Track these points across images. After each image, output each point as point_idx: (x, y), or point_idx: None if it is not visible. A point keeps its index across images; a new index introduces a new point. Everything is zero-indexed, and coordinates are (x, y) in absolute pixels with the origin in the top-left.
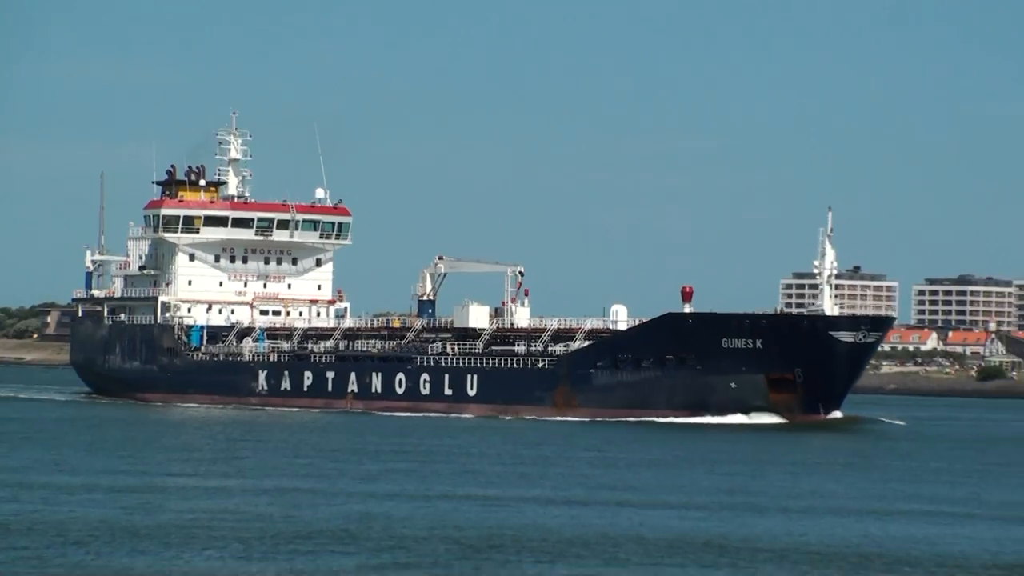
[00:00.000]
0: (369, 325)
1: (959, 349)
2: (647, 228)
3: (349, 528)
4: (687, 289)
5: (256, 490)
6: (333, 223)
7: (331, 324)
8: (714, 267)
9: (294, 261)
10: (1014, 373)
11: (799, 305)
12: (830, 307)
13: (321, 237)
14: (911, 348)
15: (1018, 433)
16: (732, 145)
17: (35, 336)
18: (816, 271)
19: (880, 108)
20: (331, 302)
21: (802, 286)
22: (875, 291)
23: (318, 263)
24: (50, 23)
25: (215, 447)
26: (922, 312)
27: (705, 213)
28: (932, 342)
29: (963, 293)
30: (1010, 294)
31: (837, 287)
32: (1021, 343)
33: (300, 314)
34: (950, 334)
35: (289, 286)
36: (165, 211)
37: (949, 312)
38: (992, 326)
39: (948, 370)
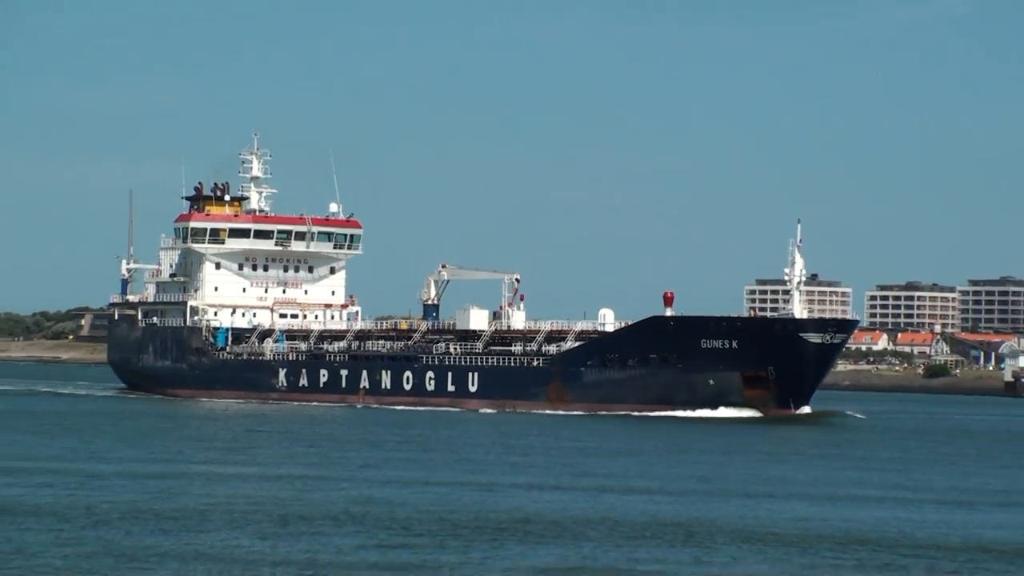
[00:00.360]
0: (378, 327)
1: (907, 349)
2: (629, 239)
3: (351, 511)
4: (668, 294)
5: (270, 477)
6: (345, 235)
7: (344, 326)
8: (687, 274)
9: (310, 269)
10: (957, 371)
11: (762, 309)
12: (800, 311)
13: (335, 247)
14: (864, 348)
15: (962, 425)
16: (703, 165)
17: (71, 337)
18: (786, 278)
19: (833, 135)
20: (343, 306)
21: (764, 292)
22: (831, 296)
23: (332, 271)
24: (84, 51)
25: (235, 437)
26: (873, 315)
27: (680, 225)
28: (883, 343)
29: (911, 298)
30: (954, 299)
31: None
32: (963, 343)
33: (316, 317)
34: (899, 335)
35: (306, 292)
36: (194, 224)
37: (898, 315)
38: (937, 328)
39: (897, 368)
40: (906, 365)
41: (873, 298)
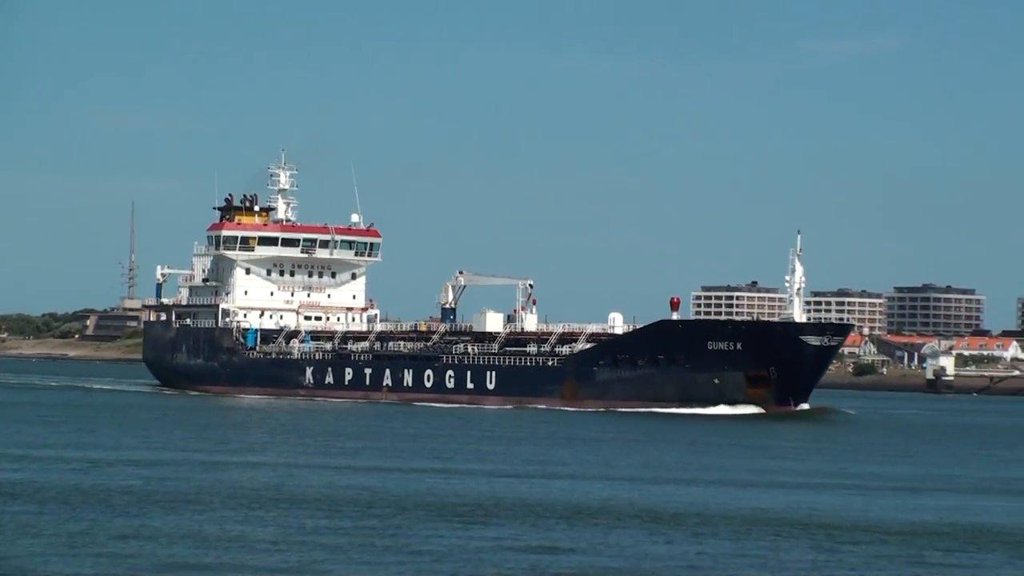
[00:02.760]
0: (397, 329)
1: (839, 349)
2: (630, 250)
3: (327, 495)
4: (675, 300)
5: (264, 464)
6: (366, 243)
7: (365, 328)
8: (646, 281)
9: (333, 275)
10: (884, 370)
11: (707, 313)
12: (799, 315)
13: (356, 255)
14: None
15: (942, 420)
16: (666, 184)
17: (76, 336)
18: (787, 284)
19: (775, 161)
20: (364, 309)
21: (709, 297)
22: (770, 302)
23: (353, 276)
24: (124, 79)
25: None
26: (808, 319)
27: (652, 237)
28: None
29: (842, 303)
30: (881, 304)
31: (738, 299)
32: (889, 344)
33: (338, 319)
34: None
35: (329, 296)
36: (225, 232)
37: (830, 318)
38: (866, 330)
39: (830, 367)
40: (837, 364)
41: (808, 302)
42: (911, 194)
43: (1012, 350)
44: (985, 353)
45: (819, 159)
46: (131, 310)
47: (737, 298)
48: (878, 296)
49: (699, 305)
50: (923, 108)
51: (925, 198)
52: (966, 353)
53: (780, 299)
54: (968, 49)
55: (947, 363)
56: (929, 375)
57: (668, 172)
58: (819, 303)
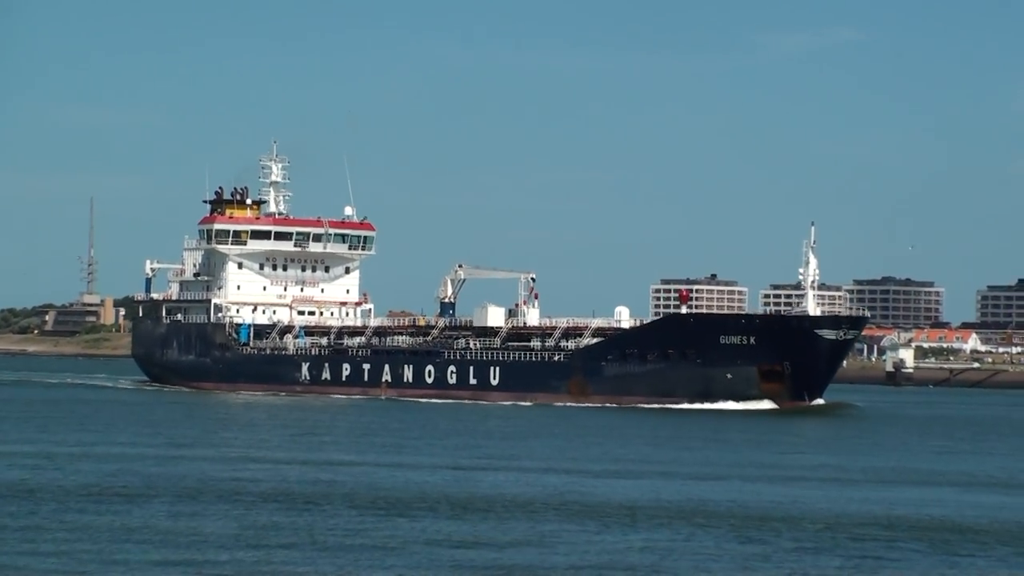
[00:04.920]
0: (395, 324)
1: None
2: (628, 247)
3: (288, 489)
4: (684, 293)
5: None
6: (360, 236)
7: (359, 323)
8: (612, 275)
9: (326, 269)
10: (844, 362)
11: (666, 307)
12: (813, 308)
13: (349, 248)
14: None
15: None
16: (635, 178)
17: (35, 332)
18: (800, 277)
19: (735, 153)
20: (357, 304)
21: (668, 290)
22: (728, 295)
23: (347, 271)
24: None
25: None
26: (767, 311)
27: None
28: None
29: (801, 296)
30: (840, 297)
31: (696, 291)
32: None
33: (332, 314)
34: None
35: (322, 290)
36: (217, 226)
37: (790, 311)
38: None
39: None
40: None
41: (767, 296)
42: (870, 186)
43: (971, 342)
44: (944, 345)
45: (778, 152)
46: (90, 305)
47: (696, 291)
48: (837, 289)
49: (658, 298)
50: (881, 101)
51: (884, 190)
52: (925, 345)
53: (740, 292)
54: (926, 41)
55: (906, 355)
56: (889, 367)
57: (626, 166)
58: (778, 296)
